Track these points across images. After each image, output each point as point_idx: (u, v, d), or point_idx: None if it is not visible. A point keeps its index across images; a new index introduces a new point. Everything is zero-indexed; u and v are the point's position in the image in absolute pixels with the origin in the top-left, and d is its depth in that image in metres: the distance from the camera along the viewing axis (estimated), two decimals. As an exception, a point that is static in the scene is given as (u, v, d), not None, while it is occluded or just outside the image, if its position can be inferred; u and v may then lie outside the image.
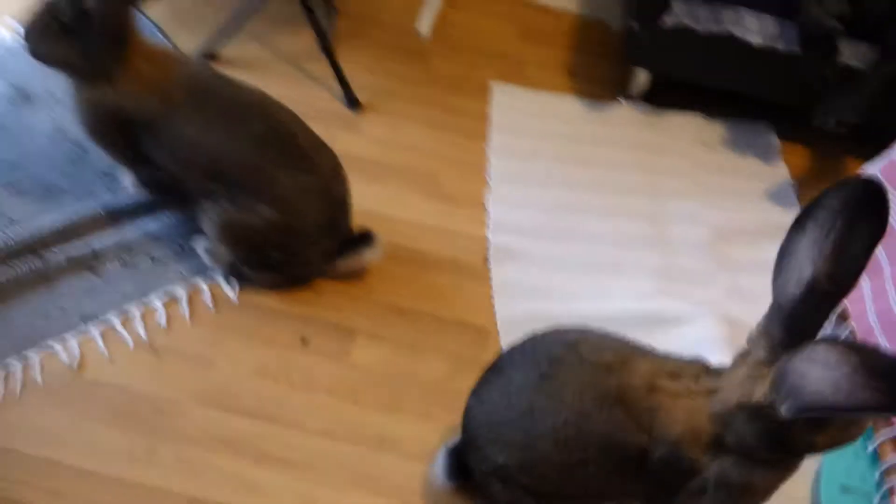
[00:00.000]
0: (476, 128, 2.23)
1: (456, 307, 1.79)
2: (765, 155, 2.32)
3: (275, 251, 1.63)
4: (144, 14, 2.26)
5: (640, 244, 2.00)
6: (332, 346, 1.69)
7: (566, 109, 2.36)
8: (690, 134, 2.34)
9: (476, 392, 1.35)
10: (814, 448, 1.14)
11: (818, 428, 1.11)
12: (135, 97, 1.54)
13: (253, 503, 1.44)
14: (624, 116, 2.36)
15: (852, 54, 2.02)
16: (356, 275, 1.80)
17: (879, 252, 1.67)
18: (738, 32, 2.12)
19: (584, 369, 1.23)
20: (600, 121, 2.33)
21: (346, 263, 1.73)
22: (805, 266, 1.06)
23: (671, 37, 2.14)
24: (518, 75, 2.43)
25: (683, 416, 1.19)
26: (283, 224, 1.57)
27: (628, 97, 2.39)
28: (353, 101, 2.21)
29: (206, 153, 1.55)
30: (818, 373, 1.00)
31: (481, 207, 2.02)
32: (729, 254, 2.02)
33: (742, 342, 1.64)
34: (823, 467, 1.57)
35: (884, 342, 1.60)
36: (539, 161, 2.16)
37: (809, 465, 1.58)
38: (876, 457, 1.56)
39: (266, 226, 1.56)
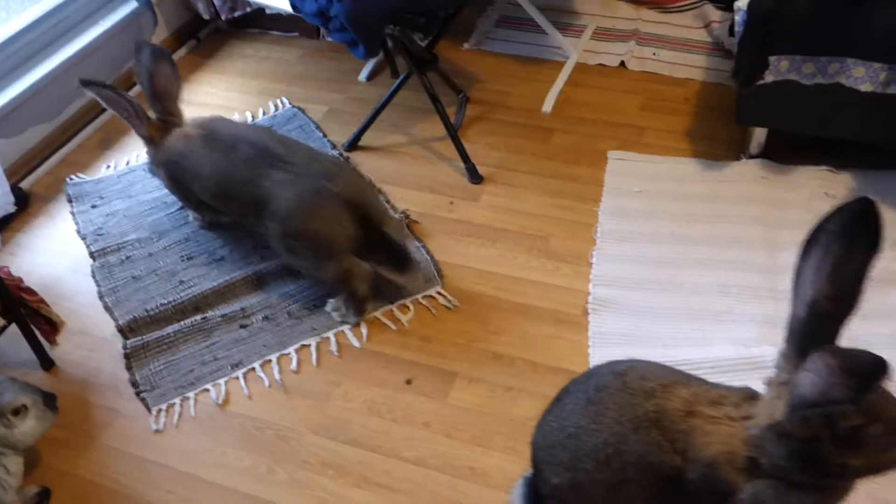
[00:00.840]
0: (590, 192, 2.37)
1: (552, 354, 1.91)
2: (895, 203, 2.24)
3: (305, 248, 1.94)
4: (305, 114, 2.68)
5: (749, 295, 2.01)
6: (433, 386, 1.86)
7: (681, 171, 2.43)
8: (814, 187, 2.32)
9: (540, 421, 1.46)
10: (849, 471, 1.14)
11: (850, 449, 1.12)
12: (167, 145, 2.07)
13: (349, 520, 1.61)
14: (741, 173, 2.39)
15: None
16: (461, 326, 1.98)
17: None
18: (845, 82, 2.12)
19: (625, 394, 1.31)
20: (716, 179, 2.38)
21: (385, 272, 2.01)
22: (808, 289, 1.11)
23: (776, 92, 2.18)
24: (636, 143, 2.55)
25: (719, 439, 1.23)
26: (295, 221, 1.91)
27: (748, 155, 2.42)
28: (474, 175, 2.44)
29: (213, 177, 1.99)
30: (808, 379, 1.04)
31: (587, 264, 2.13)
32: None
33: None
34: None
35: None
36: (649, 220, 2.25)
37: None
38: None
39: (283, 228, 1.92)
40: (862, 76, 2.10)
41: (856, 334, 1.85)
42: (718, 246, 2.15)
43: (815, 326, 1.10)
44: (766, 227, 2.20)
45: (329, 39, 2.98)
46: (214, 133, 2.04)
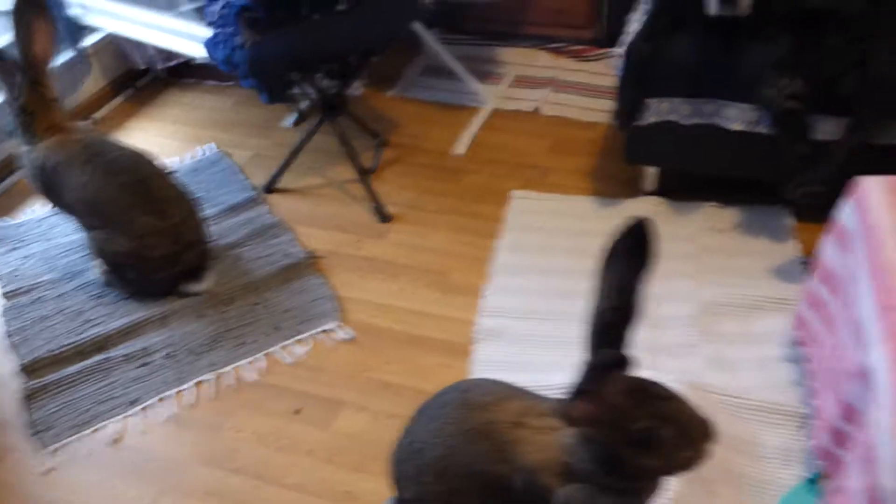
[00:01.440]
0: (492, 229, 2.47)
1: (438, 382, 1.94)
2: (776, 235, 2.36)
3: (130, 271, 2.18)
4: (230, 158, 2.78)
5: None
6: (321, 415, 1.93)
7: (580, 208, 2.55)
8: (701, 221, 2.44)
9: (398, 439, 1.54)
10: (645, 471, 1.23)
11: (644, 451, 1.20)
12: (47, 151, 2.14)
13: (226, 545, 1.67)
14: (636, 210, 2.50)
15: (822, 130, 2.09)
16: (356, 358, 2.07)
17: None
18: (719, 122, 2.26)
19: (463, 409, 1.40)
20: (611, 216, 2.49)
21: (185, 288, 2.24)
22: (598, 301, 1.21)
23: (659, 132, 2.31)
24: (541, 183, 2.67)
25: (540, 447, 1.32)
26: (134, 253, 2.11)
27: (643, 193, 2.54)
28: (383, 215, 2.55)
29: (89, 195, 2.10)
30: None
31: (480, 296, 2.22)
32: (715, 326, 2.07)
33: (705, 406, 1.72)
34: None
35: (828, 395, 1.60)
36: (544, 254, 2.35)
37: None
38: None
39: (123, 252, 2.12)
40: (734, 116, 2.23)
41: (725, 357, 1.97)
42: (606, 278, 2.24)
43: (602, 336, 1.19)
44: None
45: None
46: (97, 152, 2.14)
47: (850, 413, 1.41)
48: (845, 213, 1.70)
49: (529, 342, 2.06)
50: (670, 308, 2.13)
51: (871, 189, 1.63)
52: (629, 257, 1.20)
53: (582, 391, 1.13)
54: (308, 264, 2.35)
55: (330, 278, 2.32)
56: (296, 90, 2.58)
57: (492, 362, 2.01)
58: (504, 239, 2.43)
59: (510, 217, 2.52)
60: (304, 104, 2.86)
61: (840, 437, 1.44)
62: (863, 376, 1.36)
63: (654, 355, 2.00)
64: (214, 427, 1.93)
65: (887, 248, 1.46)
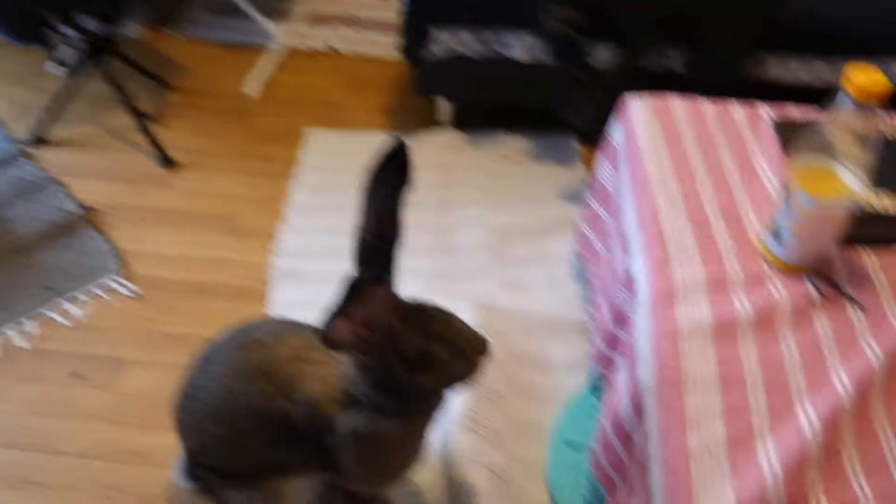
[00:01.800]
0: (285, 170, 2.38)
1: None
2: (563, 160, 2.44)
3: None
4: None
5: (422, 253, 2.11)
6: (103, 376, 1.80)
7: (376, 144, 2.49)
8: (491, 150, 2.47)
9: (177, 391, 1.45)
10: (425, 389, 1.22)
11: (420, 370, 1.19)
12: None
13: (-2, 523, 1.53)
14: (430, 143, 2.50)
15: (600, 57, 2.16)
16: (141, 313, 1.94)
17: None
18: (503, 52, 2.27)
19: (238, 350, 1.34)
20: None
21: None
22: (358, 227, 1.17)
23: (446, 64, 2.30)
24: (336, 120, 2.60)
25: (320, 378, 1.28)
26: None
27: (438, 125, 2.53)
28: (167, 161, 2.39)
29: None
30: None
31: (273, 238, 2.14)
32: (507, 251, 2.11)
33: (497, 326, 1.74)
34: (555, 428, 1.63)
35: (603, 303, 1.67)
36: (341, 192, 2.30)
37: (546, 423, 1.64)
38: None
39: None
40: (516, 45, 2.26)
41: (516, 278, 2.02)
42: (402, 211, 2.23)
43: (366, 258, 1.17)
44: (443, 189, 2.32)
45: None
46: None
47: (620, 317, 1.48)
48: (615, 132, 1.77)
49: (327, 281, 2.00)
50: (464, 235, 2.16)
51: (635, 108, 1.70)
52: (388, 181, 1.17)
53: (339, 313, 1.10)
54: (83, 219, 2.17)
55: (110, 233, 2.16)
56: (58, 30, 2.34)
57: (290, 304, 1.95)
58: (299, 179, 2.35)
59: (305, 157, 2.45)
60: (65, 47, 2.61)
61: (612, 340, 1.52)
62: (629, 283, 1.42)
63: (450, 281, 2.03)
64: (-20, 401, 1.75)
65: (647, 165, 1.53)
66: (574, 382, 1.75)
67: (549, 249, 2.12)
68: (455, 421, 1.54)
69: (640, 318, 1.31)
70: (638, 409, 1.22)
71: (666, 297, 1.28)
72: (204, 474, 1.42)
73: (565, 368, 1.77)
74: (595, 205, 1.88)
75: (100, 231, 2.14)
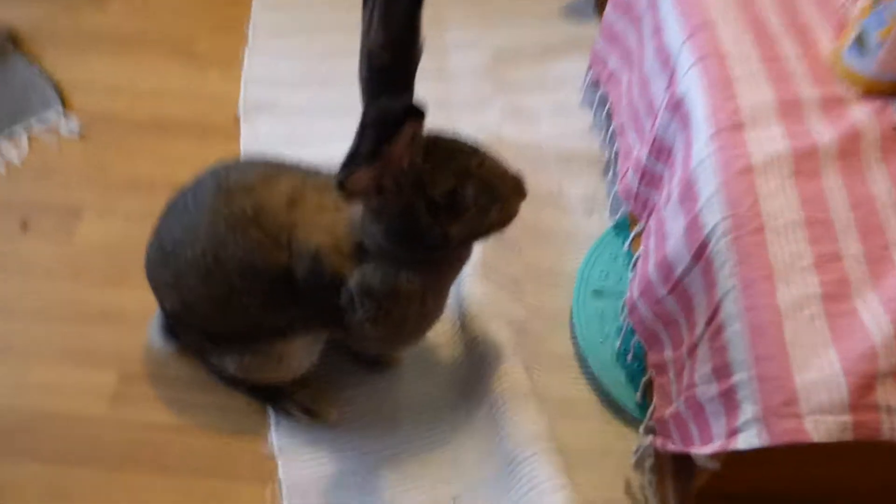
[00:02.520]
0: (243, -18, 2.05)
1: (198, 171, 1.66)
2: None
3: None
4: None
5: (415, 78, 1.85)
6: (56, 227, 1.57)
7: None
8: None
9: (148, 243, 1.23)
10: (451, 239, 1.03)
11: (448, 215, 1.00)
12: None
13: (-43, 396, 1.34)
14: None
15: None
16: (91, 154, 1.67)
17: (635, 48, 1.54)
18: None
19: (220, 196, 1.11)
20: (383, -42, 2.14)
21: None
22: (364, 41, 0.91)
23: None
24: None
25: (324, 227, 1.08)
26: None
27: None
28: (102, -26, 2.02)
29: None
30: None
31: (239, 66, 1.85)
32: (509, 75, 1.88)
33: (506, 161, 1.52)
34: (579, 275, 1.47)
35: (632, 133, 1.47)
36: (306, 9, 2.00)
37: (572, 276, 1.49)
38: (630, 254, 1.46)
39: None
40: None
41: (522, 106, 1.80)
42: (383, 31, 1.95)
43: (378, 80, 0.93)
44: (434, 5, 2.01)
45: None
46: None
47: (661, 149, 1.29)
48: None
49: (306, 114, 1.77)
50: (460, 59, 1.91)
51: None
52: None
53: (361, 155, 0.88)
54: (9, 44, 1.83)
55: (41, 60, 1.83)
56: None
57: (267, 139, 1.71)
58: (259, -9, 2.02)
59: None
60: None
61: (649, 177, 1.34)
62: (676, 107, 1.22)
63: (448, 111, 1.80)
64: (-87, 258, 1.51)
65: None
66: (593, 223, 1.57)
67: (556, 72, 1.89)
68: (469, 270, 1.37)
69: (699, 150, 1.11)
70: (700, 255, 1.05)
71: (732, 125, 1.08)
72: (186, 335, 1.24)
73: (583, 207, 1.60)
74: (613, 18, 1.64)
75: (31, 59, 1.82)
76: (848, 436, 0.82)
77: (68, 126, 1.72)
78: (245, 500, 1.25)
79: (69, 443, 1.29)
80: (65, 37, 1.91)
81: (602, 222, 1.58)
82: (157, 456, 1.28)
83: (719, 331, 0.97)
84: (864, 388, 0.83)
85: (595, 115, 1.73)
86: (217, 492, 1.25)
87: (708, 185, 1.06)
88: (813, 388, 0.84)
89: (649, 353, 1.23)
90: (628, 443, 1.28)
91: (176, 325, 1.25)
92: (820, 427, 0.82)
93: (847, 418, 0.82)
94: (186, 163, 1.58)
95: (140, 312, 1.40)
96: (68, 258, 1.52)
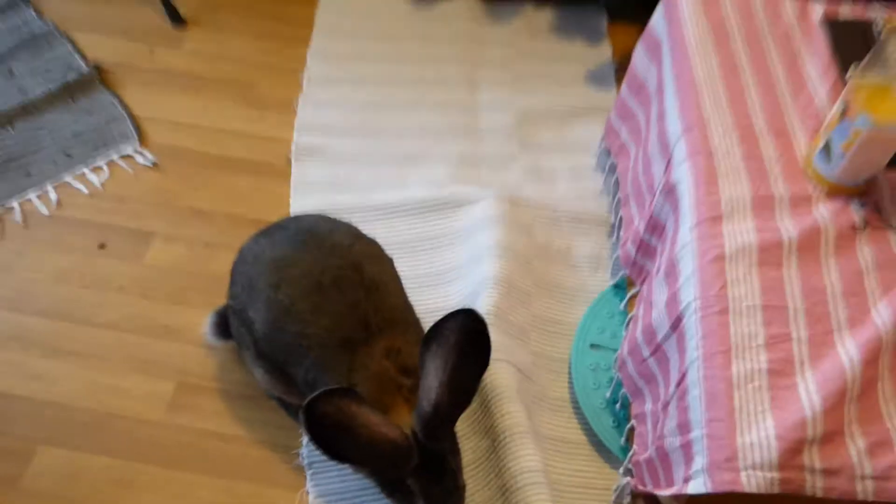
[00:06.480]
0: (301, 35, 2.28)
1: (254, 207, 1.89)
2: (591, 38, 2.35)
3: None
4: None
5: (447, 134, 2.07)
6: (129, 249, 1.80)
7: (393, 8, 2.39)
8: (518, 24, 2.38)
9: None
10: None
11: None
12: None
13: (36, 389, 1.57)
14: (453, 12, 2.39)
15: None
16: (161, 184, 1.91)
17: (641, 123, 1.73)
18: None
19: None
20: (427, 18, 2.37)
21: None
22: (433, 390, 1.15)
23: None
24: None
25: None
26: None
27: (467, -6, 2.41)
28: (176, 19, 2.27)
29: None
30: None
31: (292, 112, 2.09)
32: (533, 136, 2.08)
33: (523, 220, 1.73)
34: (579, 329, 1.67)
35: (634, 205, 1.68)
36: (357, 62, 2.22)
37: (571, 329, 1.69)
38: (625, 313, 1.66)
39: None
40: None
41: (541, 167, 2.00)
42: (422, 86, 2.18)
43: (437, 421, 1.16)
44: (469, 66, 2.24)
45: None
46: None
47: (655, 226, 1.49)
48: (656, 18, 1.70)
49: (350, 161, 1.99)
50: (490, 118, 2.12)
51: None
52: (463, 355, 1.16)
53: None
54: (94, 79, 2.08)
55: (121, 95, 2.08)
56: None
57: (314, 183, 1.94)
58: (314, 46, 2.26)
59: (319, 20, 2.33)
60: None
61: (645, 248, 1.53)
62: (669, 192, 1.42)
63: (476, 168, 2.00)
64: (4, 268, 1.76)
65: (693, 65, 1.48)
66: (597, 280, 1.77)
67: (574, 136, 2.09)
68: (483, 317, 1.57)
69: (683, 235, 1.31)
70: (676, 327, 1.25)
71: (712, 217, 1.28)
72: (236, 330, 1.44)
73: (589, 265, 1.80)
74: (627, 97, 1.83)
75: (115, 95, 2.06)
76: (776, 489, 1.02)
77: (144, 158, 1.95)
78: (278, 503, 1.46)
79: (132, 441, 1.52)
80: (143, 74, 2.14)
81: (605, 279, 1.78)
82: (205, 459, 1.50)
83: (684, 394, 1.17)
84: (792, 452, 1.02)
85: (605, 180, 1.93)
86: (255, 494, 1.47)
87: (687, 267, 1.26)
88: (750, 448, 1.04)
89: (633, 405, 1.43)
90: (610, 481, 1.48)
91: (231, 312, 1.44)
92: (752, 480, 1.02)
93: (775, 475, 1.02)
94: (243, 197, 1.84)
95: (197, 330, 1.63)
96: (138, 277, 1.75)
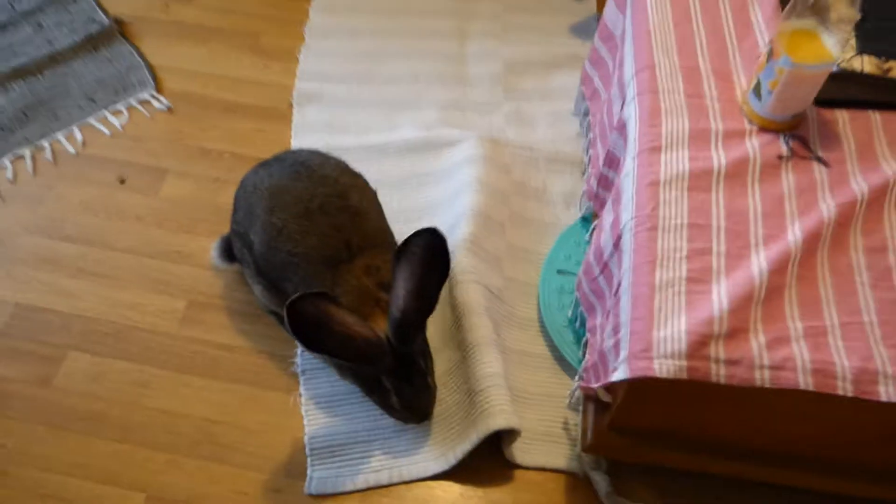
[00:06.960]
0: (305, -13, 2.45)
1: (257, 147, 2.08)
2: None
3: None
4: None
5: (436, 82, 2.23)
6: (146, 183, 2.00)
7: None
8: (510, -22, 2.50)
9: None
10: None
11: None
12: None
13: (65, 304, 1.78)
14: (448, -32, 2.53)
15: None
16: (173, 126, 2.10)
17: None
18: None
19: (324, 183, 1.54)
20: (425, -26, 2.51)
21: None
22: (401, 297, 1.34)
23: None
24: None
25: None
26: None
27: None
28: (190, -26, 2.44)
29: None
30: None
31: (295, 60, 2.26)
32: (517, 84, 2.23)
33: (503, 160, 1.90)
34: (548, 256, 1.84)
35: (600, 145, 1.83)
36: (355, 15, 2.38)
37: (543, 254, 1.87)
38: (589, 242, 1.82)
39: None
40: None
41: (524, 112, 2.16)
42: (415, 38, 2.34)
43: (405, 327, 1.36)
44: (461, 18, 2.39)
45: None
46: None
47: (612, 160, 1.65)
48: (624, -27, 1.83)
49: (347, 105, 2.16)
50: (478, 67, 2.27)
51: (649, -48, 1.75)
52: (427, 266, 1.35)
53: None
54: (114, 31, 2.27)
55: (139, 45, 2.26)
56: None
57: (313, 125, 2.11)
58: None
59: (323, -25, 2.48)
60: None
61: (604, 181, 1.70)
62: (622, 128, 1.58)
63: (462, 112, 2.16)
64: (37, 200, 1.96)
65: (650, 13, 1.62)
66: (569, 215, 1.94)
67: (556, 84, 2.24)
68: (459, 244, 1.75)
69: (627, 164, 1.47)
70: (617, 244, 1.42)
71: (652, 146, 1.44)
72: (239, 252, 1.64)
73: (562, 202, 1.96)
74: (599, 45, 1.98)
75: (133, 45, 2.25)
76: (684, 375, 1.19)
77: (159, 102, 2.14)
78: (274, 404, 1.65)
79: (148, 349, 1.72)
80: (158, 26, 2.33)
81: (577, 214, 1.94)
82: (211, 366, 1.70)
83: (618, 300, 1.34)
84: (699, 344, 1.19)
85: (581, 123, 2.08)
86: (254, 396, 1.67)
87: (627, 192, 1.42)
88: (663, 341, 1.21)
89: (588, 320, 1.60)
90: (569, 390, 1.67)
91: (233, 239, 1.64)
92: (663, 367, 1.19)
93: (683, 363, 1.19)
94: (248, 138, 2.03)
95: (205, 255, 1.83)
96: (154, 208, 1.95)
